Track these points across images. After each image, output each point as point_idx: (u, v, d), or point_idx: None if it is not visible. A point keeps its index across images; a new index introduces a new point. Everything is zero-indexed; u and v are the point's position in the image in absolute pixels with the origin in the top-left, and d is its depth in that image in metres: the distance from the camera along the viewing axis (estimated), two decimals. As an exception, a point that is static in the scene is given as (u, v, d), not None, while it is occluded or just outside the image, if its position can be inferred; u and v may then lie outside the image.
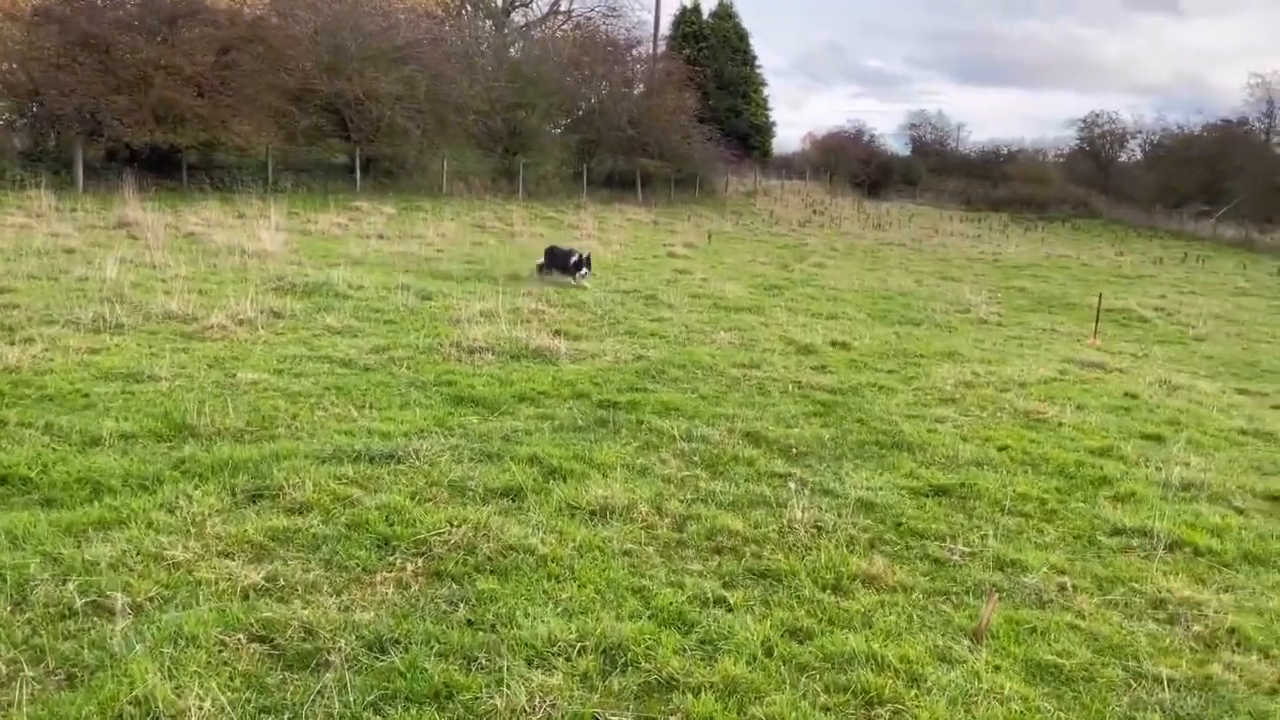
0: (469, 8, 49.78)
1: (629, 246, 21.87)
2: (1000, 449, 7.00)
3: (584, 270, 14.07)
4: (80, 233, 16.81)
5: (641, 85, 42.59)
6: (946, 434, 7.33)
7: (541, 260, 14.78)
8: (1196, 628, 4.36)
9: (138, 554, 4.30)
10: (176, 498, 4.93)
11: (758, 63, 56.77)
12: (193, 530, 4.59)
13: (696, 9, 55.71)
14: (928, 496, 5.91)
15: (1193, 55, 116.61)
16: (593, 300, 12.35)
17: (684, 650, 3.86)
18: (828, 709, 3.58)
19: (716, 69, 52.84)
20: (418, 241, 19.16)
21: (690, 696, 3.56)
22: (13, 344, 7.84)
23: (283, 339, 9.30)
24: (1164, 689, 3.86)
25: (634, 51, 43.80)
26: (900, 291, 16.57)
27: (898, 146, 66.32)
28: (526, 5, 52.47)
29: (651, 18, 48.42)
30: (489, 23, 48.20)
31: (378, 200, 26.94)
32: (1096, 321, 13.20)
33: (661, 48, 49.84)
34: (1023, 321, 14.21)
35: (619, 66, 41.41)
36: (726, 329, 11.19)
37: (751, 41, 56.23)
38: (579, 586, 4.38)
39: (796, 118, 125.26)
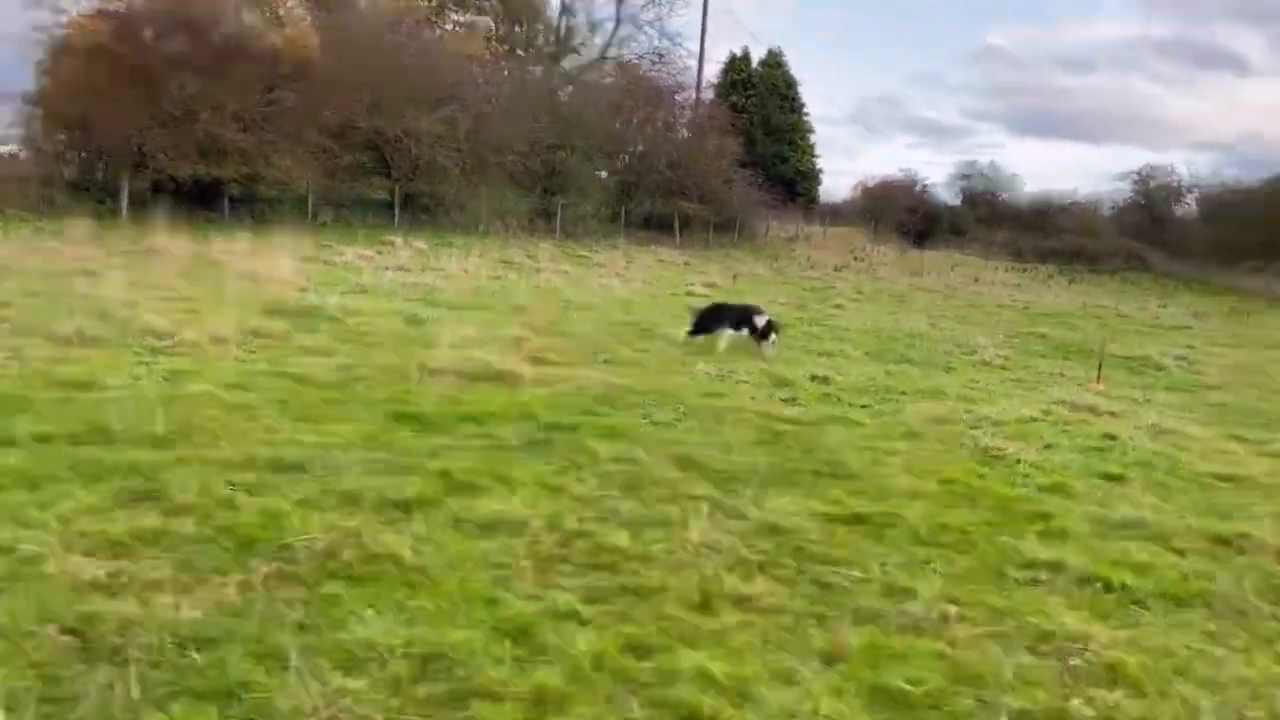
0: (519, 53, 50.75)
1: (650, 284, 21.83)
2: (942, 482, 6.74)
3: (773, 337, 12.23)
4: (107, 257, 17.21)
5: (684, 130, 42.85)
6: (892, 466, 7.09)
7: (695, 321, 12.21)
8: (1075, 662, 4.09)
9: (-11, 546, 4.29)
10: (57, 496, 4.93)
11: (805, 110, 56.96)
12: (57, 526, 4.57)
13: (746, 57, 56.10)
14: (843, 524, 5.70)
15: (1261, 112, 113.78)
16: (582, 330, 12.30)
17: (506, 661, 3.71)
18: (637, 725, 3.42)
19: (764, 115, 53.11)
20: (436, 274, 19.29)
21: (490, 704, 3.42)
22: (-27, 352, 7.99)
23: (253, 356, 9.35)
24: (1012, 721, 3.62)
25: (678, 96, 44.08)
26: (910, 333, 16.24)
27: (949, 196, 65.51)
28: (576, 52, 53.45)
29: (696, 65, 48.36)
30: (538, 68, 49.01)
31: (412, 236, 27.29)
32: (1100, 365, 12.78)
33: (709, 94, 50.15)
34: (1029, 365, 13.81)
35: (661, 110, 41.70)
36: (708, 361, 11.04)
37: (800, 90, 56.49)
38: (433, 596, 4.27)
39: (851, 166, 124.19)
